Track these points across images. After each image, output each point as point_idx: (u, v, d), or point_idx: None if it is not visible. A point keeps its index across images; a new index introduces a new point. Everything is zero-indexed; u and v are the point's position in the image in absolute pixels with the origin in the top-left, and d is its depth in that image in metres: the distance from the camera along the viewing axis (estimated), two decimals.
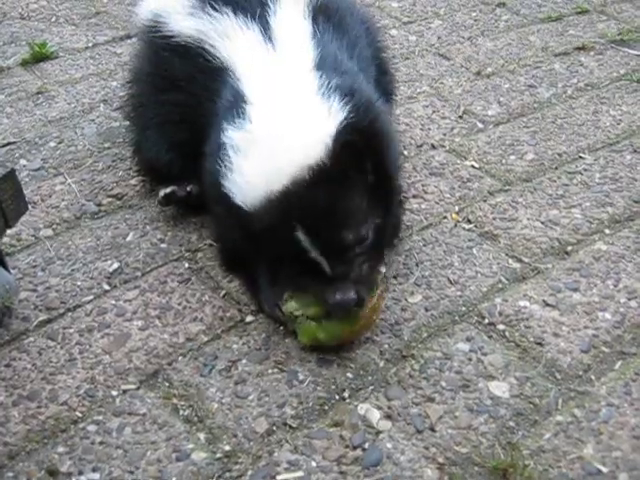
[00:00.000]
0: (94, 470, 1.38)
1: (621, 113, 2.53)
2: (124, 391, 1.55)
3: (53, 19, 3.41)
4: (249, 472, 1.39)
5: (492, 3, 3.46)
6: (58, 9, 3.53)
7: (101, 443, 1.44)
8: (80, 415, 1.50)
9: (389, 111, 2.05)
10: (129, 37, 3.12)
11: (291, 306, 1.62)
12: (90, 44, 3.14)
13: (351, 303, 1.52)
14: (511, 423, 1.47)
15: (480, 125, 2.49)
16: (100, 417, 1.49)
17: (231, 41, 1.76)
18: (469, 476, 1.37)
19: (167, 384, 1.57)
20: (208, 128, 1.75)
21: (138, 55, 2.09)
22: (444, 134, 2.45)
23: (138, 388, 1.56)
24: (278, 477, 1.37)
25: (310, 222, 1.50)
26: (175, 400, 1.53)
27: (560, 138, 2.40)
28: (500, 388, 1.54)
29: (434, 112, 2.57)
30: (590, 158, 2.29)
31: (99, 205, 2.11)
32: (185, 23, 1.84)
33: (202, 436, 1.45)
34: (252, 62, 1.71)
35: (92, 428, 1.47)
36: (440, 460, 1.40)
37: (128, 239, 1.98)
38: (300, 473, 1.38)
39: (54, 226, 2.04)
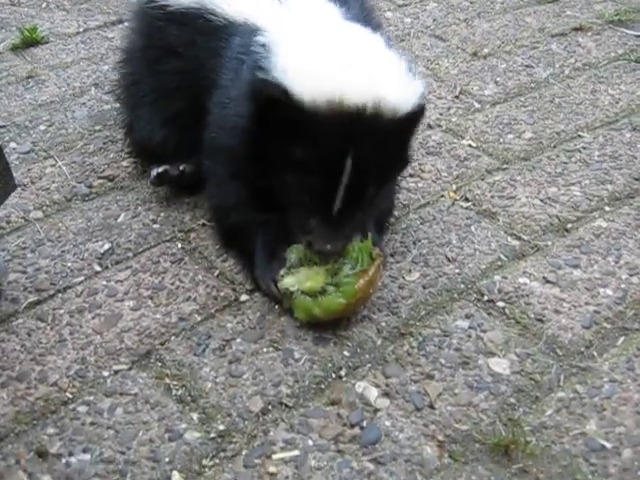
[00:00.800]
0: (85, 451, 1.35)
1: (620, 92, 2.50)
2: (115, 371, 1.51)
3: (44, 5, 3.36)
4: (244, 451, 1.35)
5: None
6: None
7: (92, 424, 1.40)
8: (70, 396, 1.46)
9: None
10: (121, 22, 3.07)
11: (287, 282, 1.58)
12: (81, 29, 3.09)
13: (335, 253, 1.54)
14: (512, 400, 1.44)
15: (477, 105, 2.46)
16: (91, 397, 1.45)
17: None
18: (470, 453, 1.34)
19: (159, 364, 1.53)
20: (209, 87, 1.73)
21: (131, 31, 2.05)
22: (440, 114, 2.41)
23: (130, 368, 1.52)
24: (274, 456, 1.34)
25: (363, 159, 1.44)
26: (168, 380, 1.49)
27: (558, 117, 2.37)
28: (500, 365, 1.51)
29: (430, 92, 2.53)
30: (589, 136, 2.26)
31: (90, 187, 2.07)
32: None
33: (195, 416, 1.42)
34: (272, 11, 1.68)
35: (82, 409, 1.43)
36: (440, 438, 1.37)
37: (119, 220, 1.94)
38: (296, 452, 1.35)
39: (44, 208, 1.99)
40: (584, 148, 2.20)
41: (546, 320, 1.61)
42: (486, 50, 2.81)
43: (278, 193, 1.58)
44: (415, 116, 1.53)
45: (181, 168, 1.93)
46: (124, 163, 2.18)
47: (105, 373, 1.51)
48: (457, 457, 1.33)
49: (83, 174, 2.12)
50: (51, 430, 1.38)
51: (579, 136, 2.27)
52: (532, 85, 2.56)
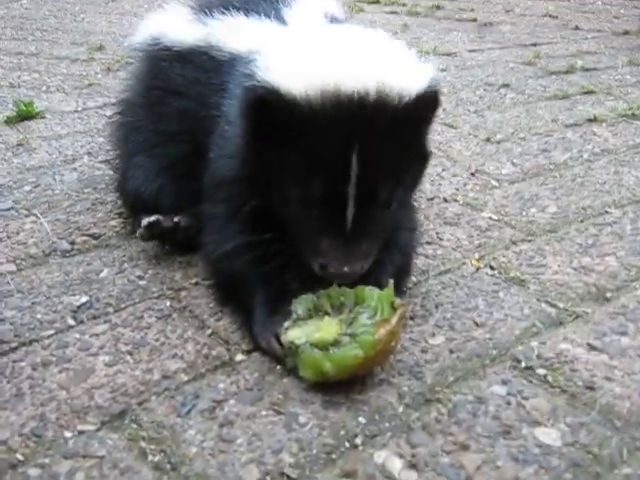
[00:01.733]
0: None
1: None
2: (80, 432, 1.23)
3: (44, 88, 3.31)
4: None
5: (496, 84, 3.40)
6: (50, 81, 3.44)
7: None
8: (21, 458, 1.17)
9: None
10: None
11: (292, 335, 1.34)
12: (79, 108, 3.01)
13: (353, 278, 1.31)
14: (568, 475, 1.16)
15: (494, 182, 2.31)
16: (46, 460, 1.17)
17: (240, 33, 1.64)
18: None
19: (135, 425, 1.25)
20: (212, 127, 1.60)
21: (132, 75, 1.94)
22: (457, 189, 2.26)
23: (98, 429, 1.24)
24: None
25: (371, 152, 1.26)
26: (143, 443, 1.21)
27: (582, 194, 2.21)
28: (549, 435, 1.24)
29: (444, 170, 2.40)
30: (618, 212, 2.10)
31: (72, 243, 1.87)
32: (187, 30, 1.73)
33: None
34: (276, 40, 1.54)
35: (34, 472, 1.14)
36: None
37: (102, 275, 1.72)
38: None
39: (18, 261, 1.78)
40: (614, 222, 2.03)
41: (597, 388, 1.36)
42: (499, 136, 2.72)
43: (282, 215, 1.37)
44: (426, 102, 1.33)
45: (175, 220, 1.73)
46: (112, 223, 1.98)
47: (67, 433, 1.23)
48: None
49: (66, 231, 1.92)
50: None
51: (607, 212, 2.10)
52: (551, 167, 2.44)
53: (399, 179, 1.34)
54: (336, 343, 1.30)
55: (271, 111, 1.28)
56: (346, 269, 1.28)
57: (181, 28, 1.75)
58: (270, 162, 1.34)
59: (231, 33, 1.67)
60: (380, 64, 1.32)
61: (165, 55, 1.75)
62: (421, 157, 1.44)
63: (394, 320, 1.31)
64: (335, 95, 1.24)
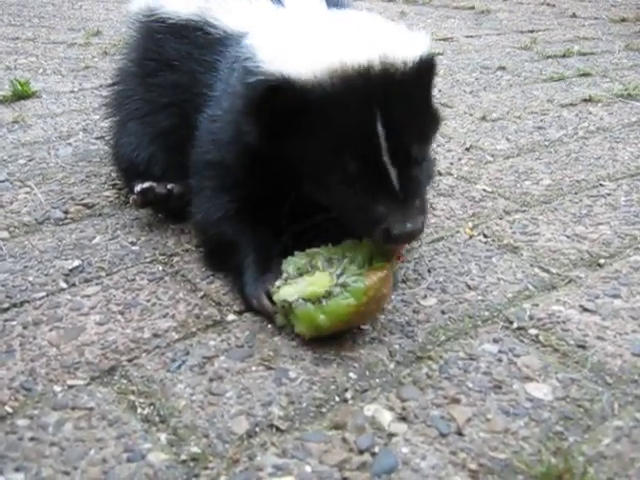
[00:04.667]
0: (17, 470, 1.05)
1: (639, 150, 2.36)
2: (70, 386, 1.23)
3: (40, 70, 3.31)
4: (222, 477, 1.06)
5: (492, 67, 3.40)
6: (47, 64, 3.44)
7: (31, 439, 1.11)
8: (10, 410, 1.17)
9: None
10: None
11: (284, 292, 1.33)
12: (75, 89, 3.01)
13: (418, 233, 1.30)
14: (558, 427, 1.16)
15: (489, 157, 2.31)
16: (35, 411, 1.17)
17: (239, 11, 1.63)
18: None
19: (124, 380, 1.25)
20: (200, 103, 1.59)
21: (128, 45, 1.93)
22: (451, 163, 2.26)
23: (88, 384, 1.24)
24: None
25: (393, 116, 1.27)
26: (132, 396, 1.21)
27: (577, 168, 2.21)
28: (540, 390, 1.24)
29: (438, 146, 2.39)
30: (612, 185, 2.09)
31: (66, 212, 1.86)
32: (182, 2, 1.72)
33: (163, 436, 1.13)
34: (269, 22, 1.54)
35: (22, 422, 1.14)
36: (472, 467, 1.08)
37: (94, 241, 1.72)
38: (290, 478, 1.05)
39: (11, 229, 1.77)
40: (608, 194, 2.03)
41: (589, 347, 1.36)
42: (495, 115, 2.71)
43: (320, 198, 1.37)
44: (427, 65, 1.37)
45: (169, 187, 1.73)
46: (106, 193, 1.98)
47: (57, 387, 1.23)
48: None
49: (60, 201, 1.92)
50: None
51: (601, 185, 2.10)
52: (546, 143, 2.43)
53: (422, 137, 1.37)
54: (328, 295, 1.29)
55: (284, 102, 1.27)
56: (410, 226, 1.26)
57: (177, 0, 1.74)
58: (292, 152, 1.33)
59: (226, 9, 1.65)
60: (379, 38, 1.35)
61: (160, 27, 1.74)
62: (433, 115, 1.46)
63: (385, 268, 1.31)
64: (344, 72, 1.26)
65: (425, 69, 1.37)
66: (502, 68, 3.36)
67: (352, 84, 1.26)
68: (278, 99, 1.29)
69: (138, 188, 1.70)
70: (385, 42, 1.32)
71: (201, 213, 1.59)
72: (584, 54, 3.74)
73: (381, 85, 1.27)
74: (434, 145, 2.34)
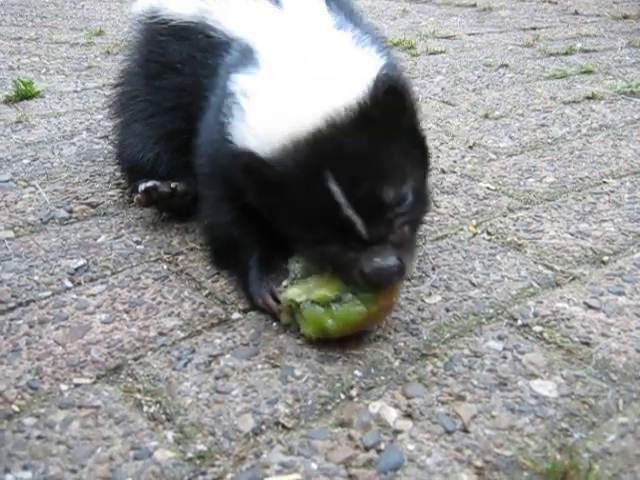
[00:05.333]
0: (25, 468, 1.06)
1: None
2: (76, 385, 1.24)
3: (43, 70, 3.31)
4: (229, 475, 1.06)
5: (494, 64, 3.40)
6: (50, 63, 3.44)
7: (39, 438, 1.11)
8: (17, 409, 1.18)
9: None
10: None
11: (292, 293, 1.34)
12: (79, 88, 3.01)
13: (394, 269, 1.25)
14: (563, 424, 1.16)
15: (492, 155, 2.31)
16: (42, 410, 1.17)
17: (238, 12, 1.61)
18: None
19: (130, 379, 1.26)
20: (203, 107, 1.57)
21: (132, 47, 1.93)
22: (454, 161, 2.26)
23: (94, 382, 1.25)
24: None
25: (345, 170, 1.23)
26: (139, 395, 1.22)
27: (580, 165, 2.21)
28: (545, 387, 1.24)
29: (442, 144, 2.40)
30: (615, 182, 2.09)
31: (70, 212, 1.87)
32: (185, 4, 1.71)
33: (170, 434, 1.13)
34: (263, 25, 1.53)
35: (29, 421, 1.14)
36: (478, 464, 1.08)
37: (99, 240, 1.72)
38: (296, 476, 1.06)
39: (16, 228, 1.78)
40: (612, 192, 2.03)
41: (593, 344, 1.36)
42: (497, 112, 2.71)
43: (295, 240, 1.37)
44: (385, 99, 1.25)
45: (172, 185, 1.73)
46: (110, 192, 1.99)
47: (63, 386, 1.23)
48: None
49: (64, 200, 1.92)
50: None
51: (605, 182, 2.10)
52: (549, 140, 2.43)
53: (400, 175, 1.29)
54: (338, 300, 1.29)
55: (255, 175, 1.29)
56: (377, 262, 1.23)
57: (179, 1, 1.73)
58: (271, 211, 1.35)
59: (225, 11, 1.64)
60: (329, 86, 1.29)
61: (162, 29, 1.74)
62: (413, 146, 1.37)
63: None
64: (293, 143, 1.24)
65: (383, 105, 1.26)
66: (505, 66, 3.36)
67: (302, 153, 1.24)
68: (250, 172, 1.30)
69: (142, 187, 1.70)
70: (333, 91, 1.27)
71: (207, 218, 1.60)
72: (586, 51, 3.73)
73: (329, 145, 1.23)
74: (437, 144, 2.35)
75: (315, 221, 1.26)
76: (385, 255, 1.24)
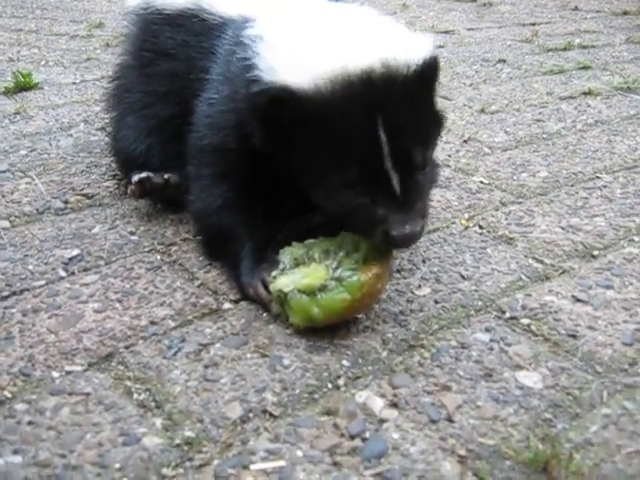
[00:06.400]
0: (16, 452, 1.07)
1: (636, 142, 2.37)
2: (67, 372, 1.25)
3: (43, 62, 3.33)
4: (215, 461, 1.08)
5: (492, 59, 3.40)
6: (49, 55, 3.46)
7: (29, 423, 1.13)
8: (9, 395, 1.19)
9: None
10: None
11: (281, 283, 1.35)
12: (77, 80, 3.02)
13: (417, 236, 1.31)
14: (547, 415, 1.18)
15: (487, 149, 2.32)
16: (33, 396, 1.19)
17: None
18: (499, 471, 1.07)
19: (121, 367, 1.27)
20: (198, 89, 1.60)
21: (125, 38, 1.95)
22: (449, 155, 2.27)
23: (85, 370, 1.26)
24: (252, 467, 1.07)
25: (395, 121, 1.26)
26: (129, 382, 1.23)
27: (574, 160, 2.22)
28: (530, 378, 1.26)
29: None
30: (609, 177, 2.11)
31: (66, 202, 1.88)
32: None
33: (158, 421, 1.15)
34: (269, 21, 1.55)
35: (21, 407, 1.16)
36: (461, 452, 1.10)
37: (94, 231, 1.74)
38: (281, 462, 1.07)
39: (12, 218, 1.79)
40: (605, 187, 2.04)
41: (580, 336, 1.38)
42: (494, 107, 2.72)
43: (319, 201, 1.38)
44: (431, 69, 1.36)
45: (166, 177, 1.75)
46: (106, 184, 2.00)
47: (55, 373, 1.25)
48: (483, 475, 1.06)
49: (60, 191, 1.94)
50: None
51: (598, 177, 2.11)
52: (544, 135, 2.44)
53: (426, 142, 1.36)
54: (323, 288, 1.31)
55: (286, 112, 1.28)
56: (408, 228, 1.26)
57: None
58: (294, 156, 1.34)
59: None
60: (380, 40, 1.34)
61: (156, 18, 1.77)
62: (437, 118, 1.46)
63: (379, 264, 1.32)
64: (345, 79, 1.26)
65: (428, 72, 1.35)
66: (502, 61, 3.37)
67: (353, 91, 1.26)
68: (280, 109, 1.29)
69: (135, 178, 1.72)
70: (387, 44, 1.32)
71: (199, 202, 1.61)
72: (585, 47, 3.74)
73: (383, 90, 1.27)
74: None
75: (349, 163, 1.28)
76: (414, 222, 1.28)
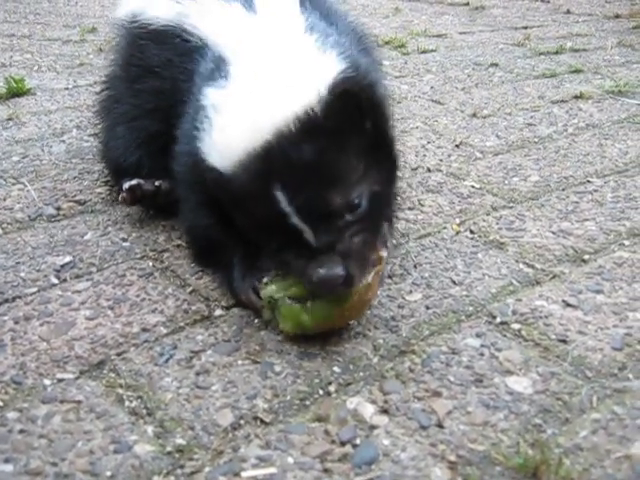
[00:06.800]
0: (7, 461, 1.07)
1: (627, 146, 2.38)
2: (59, 380, 1.26)
3: (35, 67, 3.33)
4: (206, 468, 1.08)
5: (484, 63, 3.42)
6: (42, 60, 3.46)
7: (21, 432, 1.13)
8: (0, 404, 1.20)
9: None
10: None
11: (271, 289, 1.36)
12: (70, 85, 3.02)
13: (338, 280, 1.25)
14: (537, 420, 1.18)
15: (478, 154, 2.33)
16: (25, 405, 1.19)
17: (212, 16, 1.61)
18: (489, 477, 1.07)
19: (113, 374, 1.28)
20: (183, 111, 1.57)
21: (114, 51, 1.94)
22: (440, 160, 2.28)
23: (77, 378, 1.26)
24: (244, 474, 1.07)
25: (291, 179, 1.24)
26: (120, 390, 1.24)
27: (565, 164, 2.23)
28: (520, 383, 1.27)
29: (429, 143, 2.42)
30: (599, 181, 2.12)
31: (58, 209, 1.89)
32: (164, 8, 1.71)
33: (150, 429, 1.15)
34: (235, 30, 1.54)
35: (12, 415, 1.16)
36: (451, 458, 1.10)
37: (86, 237, 1.74)
38: (272, 469, 1.08)
39: (4, 225, 1.80)
40: (595, 191, 2.05)
41: (570, 341, 1.38)
42: (485, 111, 2.73)
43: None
44: (340, 101, 1.25)
45: (157, 183, 1.75)
46: (98, 190, 2.00)
47: (46, 381, 1.25)
48: None
49: (52, 197, 1.94)
50: None
51: (589, 181, 2.12)
52: (535, 140, 2.45)
53: (353, 180, 1.29)
54: (313, 296, 1.32)
55: (219, 186, 1.32)
56: (322, 272, 1.24)
57: (158, 5, 1.73)
58: (235, 217, 1.38)
59: (202, 15, 1.63)
60: (280, 97, 1.28)
61: (142, 33, 1.74)
62: (380, 148, 1.37)
63: (369, 276, 1.33)
64: (246, 156, 1.26)
65: (336, 109, 1.25)
66: (494, 65, 3.38)
67: (252, 167, 1.26)
68: (215, 186, 1.34)
69: (126, 185, 1.72)
70: (287, 97, 1.26)
71: (188, 221, 1.62)
72: (577, 50, 3.76)
73: (277, 155, 1.24)
74: (424, 142, 2.38)
75: (270, 231, 1.30)
76: (330, 265, 1.25)
